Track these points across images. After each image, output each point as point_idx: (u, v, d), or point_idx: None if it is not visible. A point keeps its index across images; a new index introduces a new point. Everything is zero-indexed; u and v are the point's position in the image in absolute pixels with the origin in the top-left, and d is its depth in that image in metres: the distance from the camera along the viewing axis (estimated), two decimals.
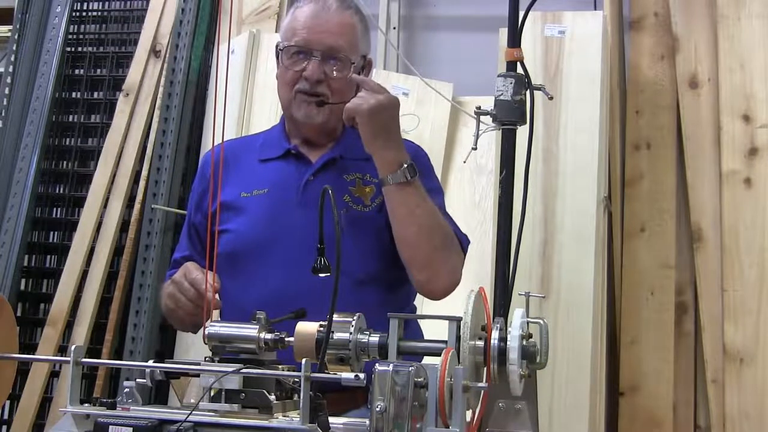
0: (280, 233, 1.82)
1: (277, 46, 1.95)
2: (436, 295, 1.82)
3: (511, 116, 1.65)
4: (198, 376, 1.25)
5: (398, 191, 1.76)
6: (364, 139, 1.76)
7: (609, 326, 2.74)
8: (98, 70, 3.45)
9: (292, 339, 1.33)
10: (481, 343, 1.29)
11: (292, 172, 1.90)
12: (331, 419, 1.19)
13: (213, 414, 1.20)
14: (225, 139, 1.90)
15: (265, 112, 2.97)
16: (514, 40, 1.69)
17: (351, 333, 1.31)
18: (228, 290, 1.84)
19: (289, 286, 1.74)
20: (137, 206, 3.12)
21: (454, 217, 2.02)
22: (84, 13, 3.51)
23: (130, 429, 1.15)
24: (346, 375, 1.16)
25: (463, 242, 1.88)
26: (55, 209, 3.36)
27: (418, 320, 1.91)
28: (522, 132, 1.67)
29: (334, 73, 1.86)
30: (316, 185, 1.85)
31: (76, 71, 3.45)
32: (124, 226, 3.15)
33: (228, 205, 1.87)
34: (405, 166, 1.75)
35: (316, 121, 1.88)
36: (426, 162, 1.98)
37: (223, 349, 1.33)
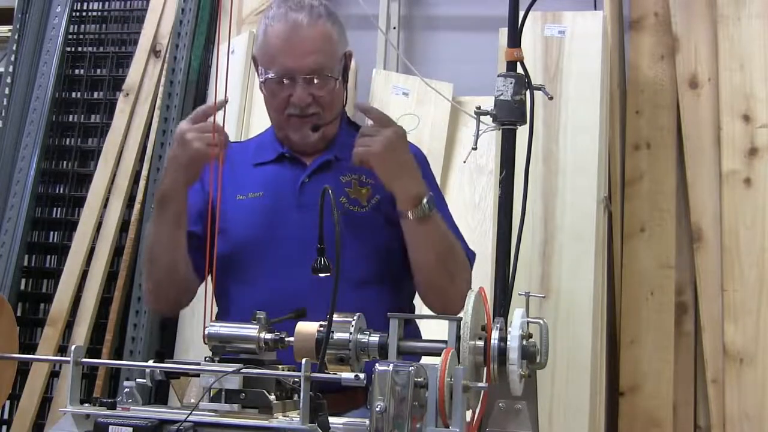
0: (276, 235, 1.82)
1: (253, 59, 1.91)
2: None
3: (511, 116, 1.65)
4: (198, 376, 1.25)
5: (418, 225, 1.75)
6: (382, 178, 1.73)
7: (609, 326, 2.74)
8: (98, 70, 3.45)
9: (292, 339, 1.33)
10: (481, 343, 1.29)
11: (286, 175, 1.89)
12: (331, 419, 1.19)
13: (213, 414, 1.20)
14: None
15: (265, 112, 2.96)
16: (514, 40, 1.69)
17: (351, 333, 1.31)
18: (227, 292, 1.85)
19: (287, 287, 1.74)
20: (137, 206, 3.12)
21: (453, 218, 2.02)
22: (84, 13, 3.51)
23: (130, 429, 1.15)
24: (346, 375, 1.16)
25: (471, 261, 1.90)
26: (55, 209, 3.36)
27: (417, 320, 1.91)
28: (522, 132, 1.67)
29: (321, 90, 1.83)
30: (312, 187, 1.84)
31: (76, 71, 3.45)
32: (124, 226, 3.15)
33: (223, 209, 1.86)
34: (425, 200, 1.73)
35: (313, 140, 1.88)
36: (427, 168, 1.98)
37: (223, 349, 1.33)
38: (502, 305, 1.55)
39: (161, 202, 1.80)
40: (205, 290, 1.75)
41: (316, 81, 1.83)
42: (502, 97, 1.65)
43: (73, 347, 1.26)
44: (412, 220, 1.74)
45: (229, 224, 1.83)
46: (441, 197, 2.01)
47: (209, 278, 1.75)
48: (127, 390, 1.28)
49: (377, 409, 1.13)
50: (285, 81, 1.83)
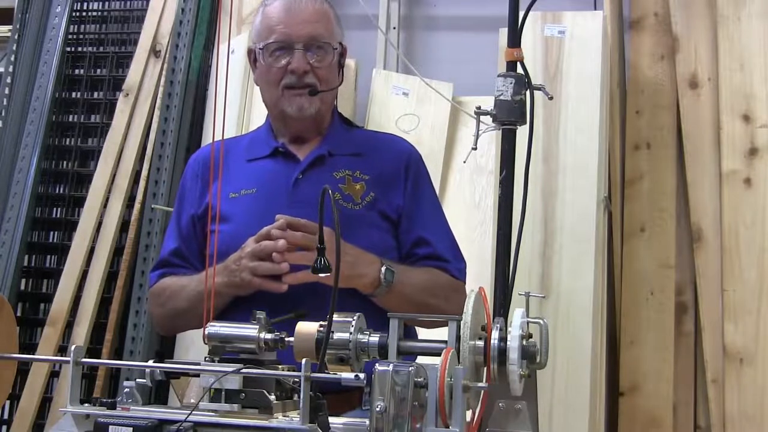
0: None
1: (252, 49, 1.94)
2: None
3: (511, 116, 1.64)
4: (198, 376, 1.25)
5: (387, 294, 1.77)
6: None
7: (609, 326, 2.74)
8: (98, 70, 3.45)
9: (292, 339, 1.33)
10: (481, 343, 1.29)
11: (280, 171, 1.89)
12: (331, 419, 1.19)
13: (213, 414, 1.20)
14: (219, 140, 1.90)
15: (265, 112, 2.97)
16: (514, 40, 1.68)
17: (351, 333, 1.31)
18: None
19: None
20: (137, 206, 3.12)
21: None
22: (84, 13, 3.51)
23: (130, 429, 1.15)
24: (346, 375, 1.16)
25: (462, 275, 1.91)
26: (55, 209, 3.36)
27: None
28: (522, 132, 1.66)
29: (319, 61, 1.86)
30: (305, 183, 1.85)
31: (76, 71, 3.45)
32: (124, 226, 3.15)
33: (216, 208, 1.86)
34: (383, 280, 1.75)
35: (309, 113, 1.88)
36: (423, 169, 1.98)
37: (222, 349, 1.33)
38: (502, 305, 1.55)
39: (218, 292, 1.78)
40: (205, 290, 1.74)
41: (314, 50, 1.86)
42: (502, 97, 1.64)
43: (73, 347, 1.26)
44: (379, 296, 1.77)
45: (223, 223, 1.83)
46: (436, 200, 2.01)
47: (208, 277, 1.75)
48: (127, 390, 1.27)
49: (377, 409, 1.13)
50: (283, 50, 1.86)
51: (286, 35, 1.86)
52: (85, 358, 1.28)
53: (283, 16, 1.87)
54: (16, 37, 3.39)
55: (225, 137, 1.82)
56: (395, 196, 1.89)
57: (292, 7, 1.87)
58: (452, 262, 1.91)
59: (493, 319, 1.34)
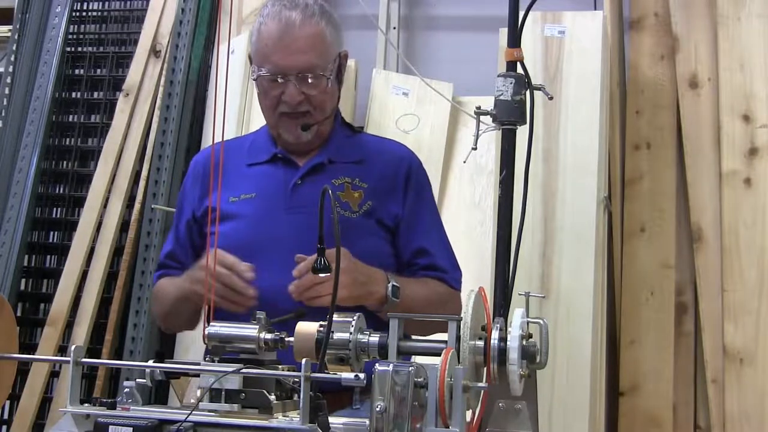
0: (267, 238, 1.82)
1: (249, 57, 1.93)
2: None
3: (511, 116, 1.65)
4: (198, 376, 1.25)
5: (391, 310, 1.76)
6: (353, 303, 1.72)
7: (609, 326, 2.74)
8: (98, 70, 3.45)
9: (292, 339, 1.33)
10: (481, 343, 1.29)
11: (279, 177, 1.89)
12: (331, 419, 1.19)
13: (213, 414, 1.20)
14: (219, 142, 1.91)
15: None
16: (514, 40, 1.69)
17: (351, 333, 1.31)
18: None
19: (277, 290, 1.73)
20: (137, 206, 3.12)
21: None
22: (84, 13, 3.51)
23: (130, 429, 1.15)
24: (346, 375, 1.16)
25: (458, 285, 1.91)
26: (55, 209, 3.36)
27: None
28: (522, 132, 1.67)
29: (313, 89, 1.85)
30: (304, 189, 1.85)
31: (76, 71, 3.45)
32: (124, 226, 3.15)
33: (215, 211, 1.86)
34: (389, 297, 1.75)
35: (305, 140, 1.89)
36: (424, 177, 1.98)
37: (223, 349, 1.33)
38: (502, 305, 1.55)
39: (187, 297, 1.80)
40: (205, 290, 1.74)
41: (308, 80, 1.84)
42: (502, 97, 1.65)
43: (73, 347, 1.26)
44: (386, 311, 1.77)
45: (222, 227, 1.83)
46: (435, 208, 2.01)
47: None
48: (127, 390, 1.28)
49: (377, 409, 1.13)
50: (277, 79, 1.84)
51: (278, 67, 1.83)
52: (85, 358, 1.28)
53: (277, 44, 1.83)
54: (16, 37, 3.39)
55: (225, 137, 1.82)
56: (393, 204, 1.89)
57: (285, 35, 1.83)
58: (450, 273, 1.92)
59: (493, 319, 1.34)
